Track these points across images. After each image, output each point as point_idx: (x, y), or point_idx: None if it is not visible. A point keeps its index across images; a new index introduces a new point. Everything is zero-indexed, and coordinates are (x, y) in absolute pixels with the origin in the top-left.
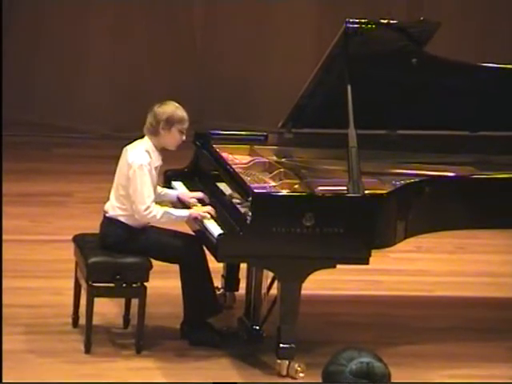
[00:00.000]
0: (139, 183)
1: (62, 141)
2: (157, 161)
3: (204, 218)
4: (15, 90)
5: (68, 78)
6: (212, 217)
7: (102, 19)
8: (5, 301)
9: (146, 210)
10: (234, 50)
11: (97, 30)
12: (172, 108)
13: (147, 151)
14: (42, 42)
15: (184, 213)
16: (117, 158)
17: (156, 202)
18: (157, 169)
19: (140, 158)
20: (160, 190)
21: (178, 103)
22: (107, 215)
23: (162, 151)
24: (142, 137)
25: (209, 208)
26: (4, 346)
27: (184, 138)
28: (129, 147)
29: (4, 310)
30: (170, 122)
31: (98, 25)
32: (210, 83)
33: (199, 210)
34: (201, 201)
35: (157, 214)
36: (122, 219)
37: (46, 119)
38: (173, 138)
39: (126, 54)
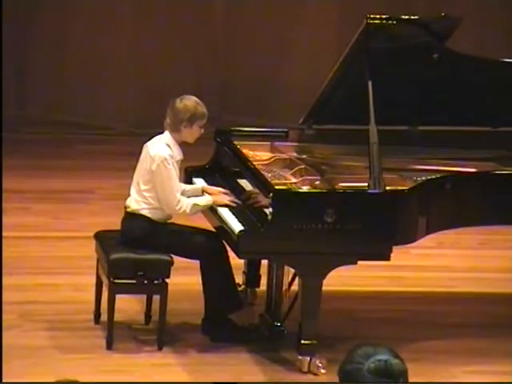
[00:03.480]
0: (166, 178)
1: (84, 137)
2: (178, 154)
3: (228, 205)
4: (39, 89)
5: (90, 76)
6: (233, 209)
7: (124, 17)
8: (28, 297)
9: (176, 204)
10: (255, 46)
11: (119, 27)
12: (193, 105)
13: (168, 145)
14: (66, 41)
15: (208, 200)
16: (139, 154)
17: None
18: (178, 162)
19: (162, 151)
20: (183, 186)
21: (200, 99)
22: (129, 210)
23: (182, 146)
24: (161, 133)
25: (232, 198)
26: (28, 342)
27: (202, 131)
28: (149, 143)
29: (27, 307)
30: (192, 119)
31: (121, 22)
32: (230, 79)
33: (222, 199)
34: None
35: (186, 209)
36: (145, 213)
37: (68, 117)
38: (193, 134)
39: (147, 51)
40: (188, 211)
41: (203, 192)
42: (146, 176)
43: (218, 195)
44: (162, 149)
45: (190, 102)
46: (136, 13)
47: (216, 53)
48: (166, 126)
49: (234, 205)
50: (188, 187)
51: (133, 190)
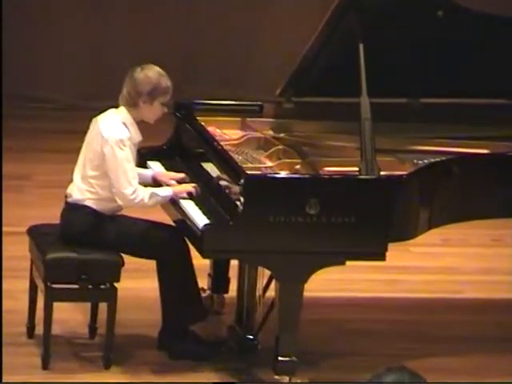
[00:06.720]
0: (120, 163)
1: (20, 112)
2: (136, 136)
3: (189, 194)
4: None
5: (29, 40)
6: (196, 197)
7: None
8: None
9: (132, 193)
10: (224, 5)
11: None
12: (156, 76)
13: (124, 124)
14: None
15: (168, 191)
16: (85, 132)
17: None
18: (136, 145)
19: (117, 131)
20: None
21: (159, 67)
22: (70, 200)
23: (138, 124)
24: (115, 106)
25: (192, 185)
26: None
27: (166, 110)
28: (100, 118)
29: None
30: (153, 94)
31: None
32: (195, 43)
33: (182, 188)
34: (182, 183)
35: (144, 197)
36: (90, 203)
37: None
38: (153, 112)
39: (102, 12)
40: (146, 200)
41: (154, 180)
42: (95, 160)
43: (176, 185)
44: (117, 129)
45: (152, 72)
46: None
47: (178, 14)
48: (122, 100)
49: (197, 194)
50: (138, 171)
51: (77, 176)
